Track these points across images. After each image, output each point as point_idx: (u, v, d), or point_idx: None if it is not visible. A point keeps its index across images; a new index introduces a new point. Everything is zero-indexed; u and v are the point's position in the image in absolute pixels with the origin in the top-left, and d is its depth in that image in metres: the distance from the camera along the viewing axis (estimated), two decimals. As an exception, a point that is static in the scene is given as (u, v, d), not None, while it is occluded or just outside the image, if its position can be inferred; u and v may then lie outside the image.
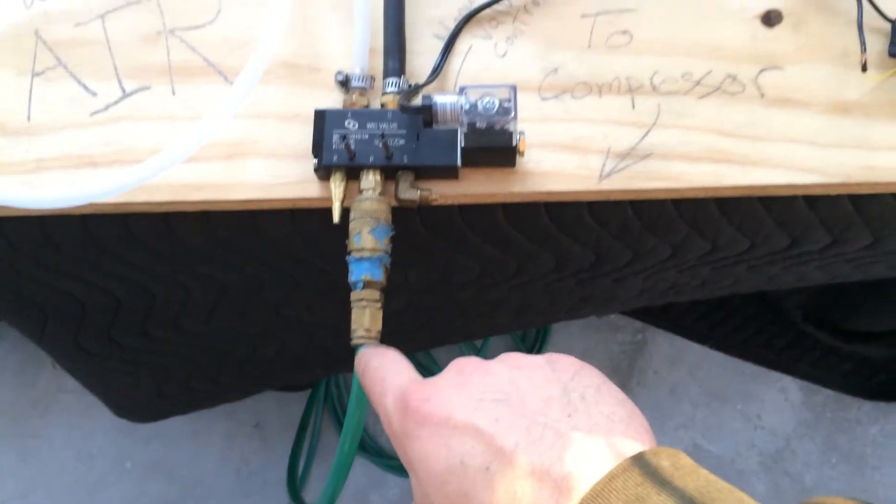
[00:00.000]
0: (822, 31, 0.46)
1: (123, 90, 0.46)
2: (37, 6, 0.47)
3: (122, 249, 0.48)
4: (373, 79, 0.45)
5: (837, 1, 0.47)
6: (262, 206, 0.45)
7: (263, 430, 1.15)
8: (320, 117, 0.43)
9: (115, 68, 0.46)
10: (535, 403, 0.31)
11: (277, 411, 1.14)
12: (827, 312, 0.90)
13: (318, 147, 0.42)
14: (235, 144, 0.45)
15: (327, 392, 1.14)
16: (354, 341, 0.40)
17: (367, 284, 0.41)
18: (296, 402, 1.14)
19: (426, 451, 0.31)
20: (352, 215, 0.42)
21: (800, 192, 0.46)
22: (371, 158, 0.42)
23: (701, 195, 0.45)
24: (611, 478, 0.27)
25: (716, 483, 0.28)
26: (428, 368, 1.11)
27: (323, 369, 0.78)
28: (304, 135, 0.44)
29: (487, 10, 0.47)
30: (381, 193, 0.42)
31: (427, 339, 0.69)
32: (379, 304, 0.41)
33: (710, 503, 0.27)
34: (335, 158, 0.42)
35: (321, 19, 0.47)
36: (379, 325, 0.41)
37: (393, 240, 0.42)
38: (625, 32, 0.47)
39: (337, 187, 0.42)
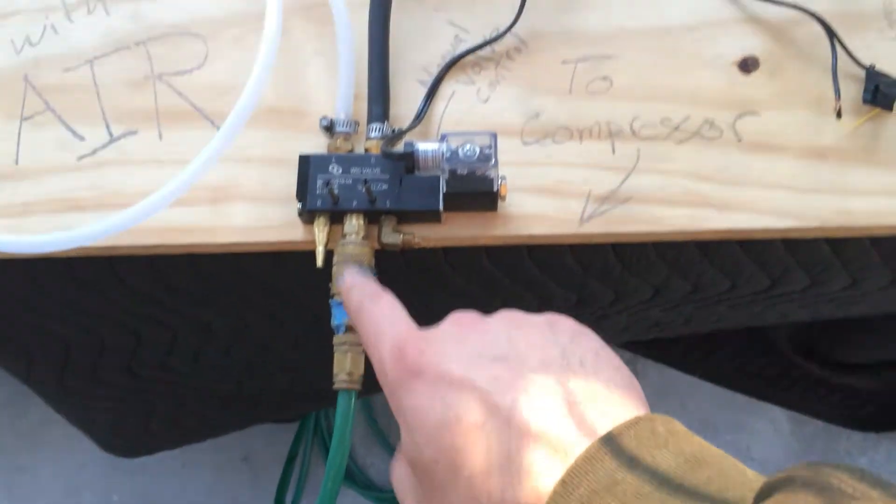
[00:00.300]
0: (799, 77, 0.47)
1: (111, 134, 0.46)
2: (26, 52, 0.48)
3: (107, 291, 0.48)
4: (357, 123, 0.46)
5: (813, 47, 0.48)
6: (246, 249, 0.45)
7: (252, 462, 1.15)
8: (304, 162, 0.44)
9: (103, 112, 0.47)
10: (534, 364, 0.30)
11: (266, 444, 1.14)
12: (815, 344, 0.91)
13: (303, 192, 0.43)
14: (221, 188, 0.45)
15: (316, 424, 1.14)
16: (336, 385, 0.40)
17: (350, 328, 0.41)
18: (285, 435, 1.13)
19: (421, 403, 0.31)
20: (335, 259, 0.42)
21: (777, 236, 0.46)
22: (354, 203, 0.43)
23: (680, 238, 0.46)
24: (606, 440, 0.27)
25: (710, 448, 0.28)
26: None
27: (310, 404, 0.78)
28: (289, 178, 0.45)
29: (471, 56, 0.48)
30: (365, 237, 0.43)
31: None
32: (361, 348, 0.41)
33: (705, 460, 0.27)
34: (319, 203, 0.43)
35: (307, 64, 0.48)
36: (361, 370, 0.41)
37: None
38: (605, 78, 0.48)
39: (320, 232, 0.43)
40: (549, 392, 0.29)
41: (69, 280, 0.47)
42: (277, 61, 0.47)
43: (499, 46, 0.48)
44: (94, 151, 0.46)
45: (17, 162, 0.45)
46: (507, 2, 0.49)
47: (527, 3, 0.48)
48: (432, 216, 0.44)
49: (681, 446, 0.28)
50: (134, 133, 0.46)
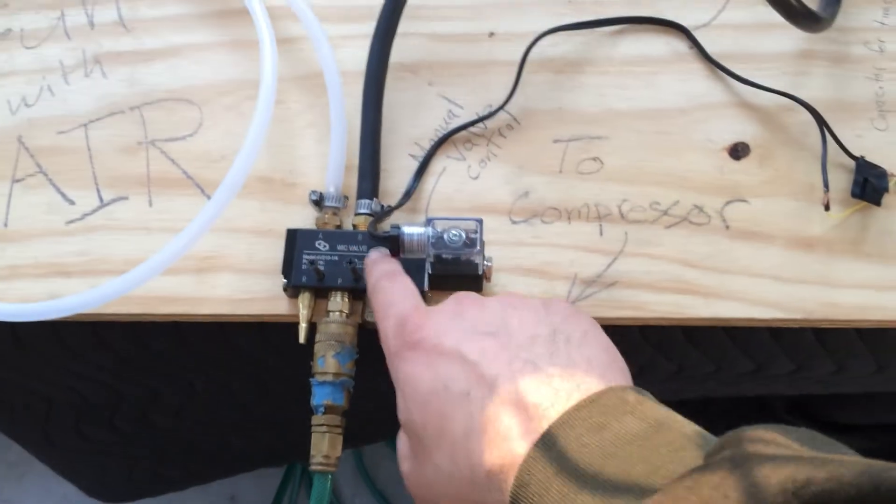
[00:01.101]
0: (789, 166, 0.47)
1: (101, 199, 0.46)
2: (22, 112, 0.48)
3: (89, 353, 0.48)
4: (346, 198, 0.46)
5: (804, 136, 0.48)
6: (230, 319, 0.45)
7: (239, 503, 1.14)
8: (291, 237, 0.44)
9: (95, 177, 0.47)
10: (522, 340, 0.32)
11: (253, 485, 1.13)
12: (810, 404, 0.90)
13: (289, 267, 0.43)
14: (207, 258, 0.45)
15: (304, 467, 1.13)
16: (312, 468, 0.40)
17: (329, 409, 0.41)
18: (272, 476, 1.13)
19: (414, 372, 0.33)
20: (318, 336, 0.42)
21: (761, 325, 0.46)
22: (339, 280, 0.43)
23: (664, 324, 0.46)
24: (577, 408, 0.29)
25: (674, 414, 0.30)
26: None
27: (295, 458, 0.77)
28: (276, 250, 0.45)
29: (463, 132, 0.48)
30: (349, 315, 0.43)
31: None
32: (339, 430, 0.41)
33: (673, 424, 0.29)
34: (304, 279, 0.43)
35: (299, 135, 0.48)
36: (338, 452, 0.41)
37: (357, 362, 0.43)
38: (595, 159, 0.48)
39: (304, 308, 0.43)
40: (530, 364, 0.31)
41: (52, 341, 0.47)
42: (269, 131, 0.47)
43: (491, 123, 0.48)
44: (84, 216, 0.46)
45: (6, 224, 0.46)
46: (500, 79, 0.49)
47: (520, 82, 0.48)
48: (416, 295, 0.44)
49: (646, 411, 0.29)
50: (124, 199, 0.46)
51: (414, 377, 0.33)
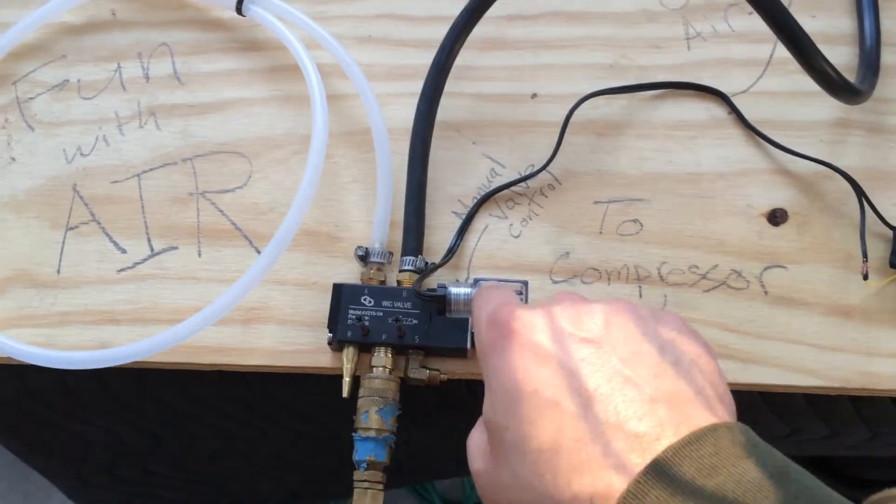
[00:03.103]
0: (827, 233, 0.48)
1: (152, 249, 0.47)
2: (77, 162, 0.49)
3: (131, 398, 0.49)
4: (391, 254, 0.47)
5: (842, 204, 0.49)
6: (275, 370, 0.46)
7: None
8: (337, 292, 0.45)
9: (146, 226, 0.48)
10: (625, 353, 0.30)
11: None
12: (834, 460, 0.90)
13: (334, 322, 0.44)
14: (253, 309, 0.46)
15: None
16: (355, 524, 0.41)
17: (371, 465, 0.41)
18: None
19: (505, 367, 0.31)
20: (361, 391, 0.43)
21: (798, 392, 0.46)
22: (384, 336, 0.44)
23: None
24: (685, 444, 0.26)
25: (792, 463, 0.27)
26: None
27: (317, 499, 0.78)
28: (321, 303, 0.46)
29: (505, 191, 0.49)
30: (392, 370, 0.44)
31: (424, 475, 0.70)
32: (381, 486, 0.41)
33: (793, 474, 0.26)
34: (349, 334, 0.44)
35: (345, 189, 0.49)
36: (379, 507, 0.41)
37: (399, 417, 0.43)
38: (635, 221, 0.49)
39: (349, 362, 0.44)
40: (634, 385, 0.28)
41: (96, 385, 0.48)
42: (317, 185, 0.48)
43: (533, 183, 0.49)
44: (135, 265, 0.47)
45: (58, 271, 0.47)
46: (543, 139, 0.50)
47: (562, 143, 0.49)
48: (459, 353, 0.44)
49: (765, 457, 0.27)
50: (174, 248, 0.47)
51: (503, 373, 0.31)
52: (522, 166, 0.50)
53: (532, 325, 0.32)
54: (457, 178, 0.50)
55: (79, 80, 0.52)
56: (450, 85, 0.48)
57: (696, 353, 0.31)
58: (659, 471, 0.26)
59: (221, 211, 0.48)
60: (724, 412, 0.29)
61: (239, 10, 0.51)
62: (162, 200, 0.49)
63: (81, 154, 0.50)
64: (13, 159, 0.49)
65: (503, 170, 0.50)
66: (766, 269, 0.47)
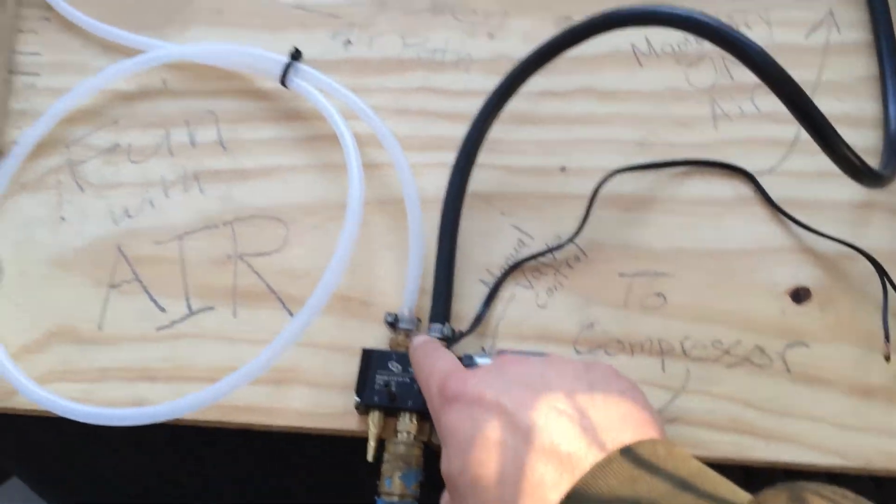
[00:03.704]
0: (850, 313, 0.49)
1: (190, 308, 0.49)
2: (124, 222, 0.52)
3: (161, 450, 0.50)
4: (419, 321, 0.48)
5: (865, 284, 0.49)
6: (302, 431, 0.47)
7: None
8: (367, 357, 0.46)
9: (186, 287, 0.50)
10: (559, 393, 0.34)
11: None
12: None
13: (362, 386, 0.45)
14: (284, 370, 0.48)
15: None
16: (375, 586, 0.41)
17: (393, 530, 0.42)
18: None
19: (455, 422, 0.35)
20: (385, 456, 0.44)
21: (821, 471, 0.47)
22: (410, 402, 0.45)
23: (724, 463, 0.47)
24: (609, 461, 0.30)
25: (707, 471, 0.31)
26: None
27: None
28: (349, 366, 0.47)
29: (532, 261, 0.50)
30: (417, 436, 0.45)
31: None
32: (403, 550, 0.42)
33: (701, 484, 0.29)
34: (376, 399, 0.45)
35: (377, 256, 0.51)
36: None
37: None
38: (659, 295, 0.49)
39: (374, 426, 0.45)
40: (566, 415, 0.32)
41: (126, 438, 0.49)
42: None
43: (559, 254, 0.51)
44: (173, 324, 0.49)
45: (100, 327, 0.49)
46: (570, 212, 0.51)
47: (589, 216, 0.51)
48: (483, 421, 0.45)
49: (678, 466, 0.30)
50: (211, 309, 0.49)
51: (455, 427, 0.35)
52: (550, 237, 0.51)
53: (477, 384, 0.36)
54: (485, 247, 0.51)
55: (129, 145, 0.54)
56: (481, 157, 0.50)
57: (623, 388, 0.35)
58: (585, 486, 0.29)
59: (258, 273, 0.50)
60: (651, 433, 0.33)
61: (283, 82, 0.54)
62: (201, 262, 0.51)
63: (128, 216, 0.52)
64: (63, 219, 0.52)
65: (531, 240, 0.51)
66: (788, 346, 0.48)
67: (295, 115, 0.55)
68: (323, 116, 0.52)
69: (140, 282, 0.50)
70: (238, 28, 0.58)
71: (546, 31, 0.57)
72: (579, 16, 0.57)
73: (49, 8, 0.58)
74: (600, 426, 0.32)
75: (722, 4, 0.57)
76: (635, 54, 0.56)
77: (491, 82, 0.50)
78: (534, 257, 0.50)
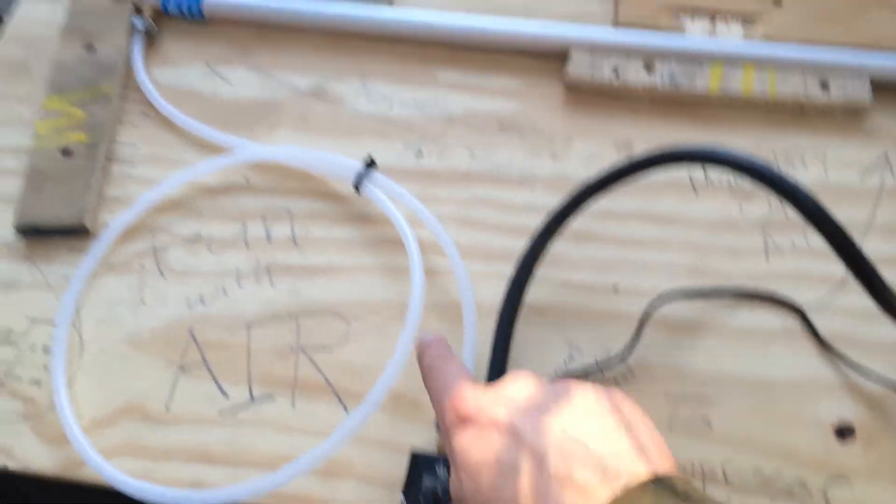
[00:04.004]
0: (894, 454, 0.49)
1: (252, 396, 0.52)
2: (197, 308, 0.55)
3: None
4: (468, 426, 0.50)
5: (911, 425, 0.50)
6: (347, 525, 0.49)
7: None
8: (415, 460, 0.48)
9: (249, 375, 0.53)
10: (574, 419, 0.34)
11: None
12: None
13: (409, 488, 0.47)
14: (335, 462, 0.49)
15: None
16: None
17: None
18: None
19: (467, 445, 0.35)
20: (426, 559, 0.45)
21: None
22: (454, 507, 0.46)
23: None
24: (627, 490, 0.30)
25: None
26: None
27: None
28: (395, 464, 0.49)
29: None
30: (457, 541, 0.46)
31: None
32: None
33: None
34: (422, 501, 0.46)
35: (432, 359, 0.53)
36: None
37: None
38: (703, 419, 0.51)
39: (418, 527, 0.46)
40: (582, 444, 0.32)
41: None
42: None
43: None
44: (234, 410, 0.51)
45: (168, 409, 0.52)
46: (621, 329, 0.53)
47: (640, 336, 0.53)
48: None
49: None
50: (271, 398, 0.52)
51: (466, 449, 0.35)
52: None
53: (490, 405, 0.36)
54: (537, 358, 0.53)
55: (210, 236, 0.58)
56: (537, 271, 0.53)
57: (640, 417, 0.35)
58: None
59: (317, 367, 0.53)
60: (664, 464, 0.33)
61: (356, 187, 0.57)
62: (266, 351, 0.54)
63: (202, 302, 0.55)
64: (143, 301, 0.55)
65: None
66: (830, 482, 0.48)
67: (365, 218, 0.59)
68: (391, 222, 0.56)
69: (208, 366, 0.53)
70: (320, 133, 0.62)
71: (607, 155, 0.60)
72: (639, 141, 0.61)
73: (149, 104, 0.63)
74: (613, 456, 0.32)
75: (779, 141, 0.60)
76: (692, 184, 0.59)
77: (552, 200, 0.53)
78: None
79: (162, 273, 0.57)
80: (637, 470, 0.31)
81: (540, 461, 0.32)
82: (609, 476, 0.31)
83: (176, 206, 0.60)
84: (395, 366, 0.49)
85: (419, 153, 0.61)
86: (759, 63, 0.60)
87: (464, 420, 0.36)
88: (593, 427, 0.33)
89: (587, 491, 0.31)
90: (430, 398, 0.41)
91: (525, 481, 0.32)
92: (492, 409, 0.36)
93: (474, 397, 0.37)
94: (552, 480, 0.31)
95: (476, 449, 0.35)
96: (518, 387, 0.37)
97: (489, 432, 0.35)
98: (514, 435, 0.34)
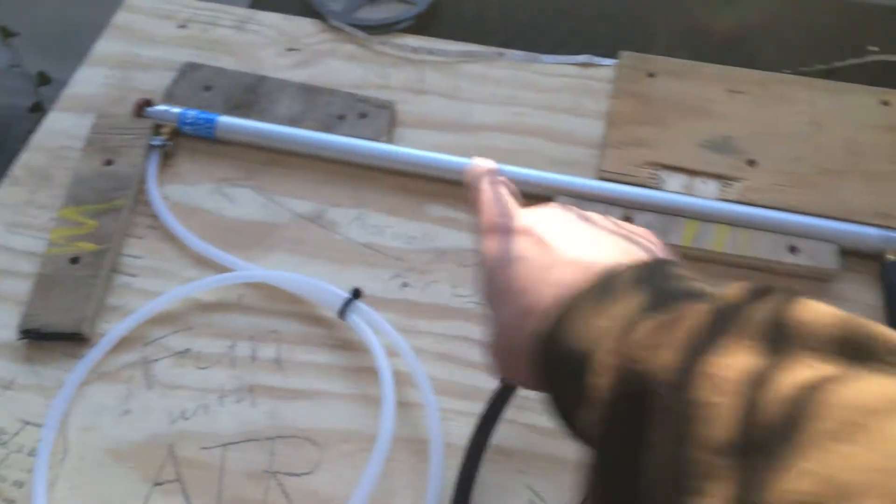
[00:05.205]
0: None
1: (220, 517, 0.54)
2: (178, 424, 0.58)
3: None
4: (424, 565, 0.51)
5: None
6: None
7: None
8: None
9: (220, 495, 0.55)
10: (593, 230, 0.39)
11: None
12: None
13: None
14: (293, 593, 0.51)
15: None
16: None
17: None
18: None
19: (492, 245, 0.40)
20: None
21: None
22: None
23: None
24: (625, 265, 0.34)
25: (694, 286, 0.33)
26: None
27: None
28: None
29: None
30: None
31: None
32: None
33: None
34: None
35: (397, 493, 0.55)
36: None
37: None
38: None
39: None
40: (592, 239, 0.38)
41: None
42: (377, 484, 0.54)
43: None
44: (202, 530, 0.53)
45: (137, 523, 0.54)
46: (582, 477, 0.55)
47: (599, 486, 0.54)
48: None
49: (681, 279, 0.33)
50: (239, 520, 0.54)
51: (491, 249, 0.40)
52: (563, 501, 0.54)
53: (520, 219, 0.41)
54: (498, 502, 0.55)
55: (198, 351, 0.61)
56: (508, 412, 0.55)
57: (652, 238, 0.40)
58: (602, 279, 0.33)
59: (286, 493, 0.55)
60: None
61: (341, 314, 0.60)
62: (239, 473, 0.56)
63: (183, 418, 0.58)
64: (128, 412, 0.58)
65: (541, 503, 0.55)
66: None
67: (347, 345, 0.61)
68: (370, 351, 0.58)
69: (182, 483, 0.55)
70: (313, 258, 0.66)
71: (584, 301, 0.63)
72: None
73: (156, 219, 0.67)
74: (618, 247, 0.37)
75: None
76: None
77: (526, 341, 0.55)
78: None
79: (149, 385, 0.59)
80: (638, 258, 0.36)
81: (550, 252, 0.37)
82: (611, 259, 0.36)
83: (170, 319, 0.63)
84: (358, 498, 0.50)
85: (404, 284, 0.64)
86: (733, 222, 0.63)
87: (494, 229, 0.41)
88: (607, 234, 0.39)
89: (590, 268, 0.35)
90: (477, 207, 0.45)
91: (537, 265, 0.37)
92: (519, 221, 0.41)
93: (509, 214, 0.42)
94: (562, 264, 0.36)
95: (500, 247, 0.40)
96: (550, 209, 0.42)
97: (511, 237, 0.40)
98: (532, 236, 0.39)
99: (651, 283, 0.33)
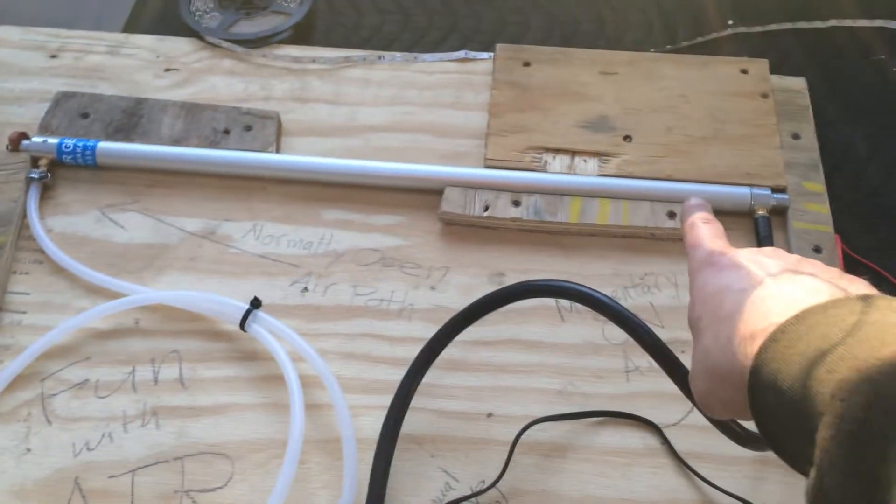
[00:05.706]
0: (748, 565, 0.52)
1: (133, 544, 0.53)
2: (83, 455, 0.56)
3: None
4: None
5: (763, 536, 0.53)
6: None
7: None
8: None
9: (132, 523, 0.54)
10: (805, 276, 0.38)
11: None
12: None
13: None
14: None
15: None
16: None
17: None
18: None
19: (706, 278, 0.42)
20: None
21: None
22: None
23: None
24: (833, 301, 0.33)
25: None
26: None
27: None
28: None
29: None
30: None
31: None
32: None
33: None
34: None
35: (314, 495, 0.55)
36: None
37: None
38: (573, 541, 0.53)
39: None
40: (797, 274, 0.38)
41: None
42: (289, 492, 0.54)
43: (483, 499, 0.55)
44: (116, 559, 0.52)
45: (48, 561, 0.52)
46: (495, 456, 0.56)
47: (511, 462, 0.55)
48: None
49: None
50: (153, 545, 0.53)
51: (705, 282, 0.42)
52: (475, 481, 0.56)
53: (733, 255, 0.42)
54: (414, 489, 0.55)
55: (97, 381, 0.60)
56: (415, 400, 0.55)
57: (860, 281, 0.39)
58: (806, 314, 0.33)
59: (201, 509, 0.54)
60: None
61: (242, 326, 0.60)
62: (150, 496, 0.55)
63: (88, 449, 0.57)
64: (28, 450, 0.56)
65: (457, 483, 0.56)
66: None
67: (252, 356, 0.61)
68: (275, 359, 0.58)
69: (90, 515, 0.54)
70: (209, 274, 0.65)
71: (481, 286, 0.64)
72: (511, 272, 0.65)
73: (42, 252, 0.65)
74: (822, 281, 0.37)
75: (635, 266, 0.65)
76: (558, 310, 0.63)
77: (430, 331, 0.56)
78: (459, 501, 0.55)
79: (49, 420, 0.58)
80: (839, 294, 0.36)
81: (761, 283, 0.38)
82: (817, 294, 0.35)
83: (64, 351, 0.61)
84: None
85: (305, 290, 0.64)
86: (613, 195, 0.66)
87: (709, 264, 0.43)
88: (808, 268, 0.39)
89: (796, 301, 0.35)
90: (687, 241, 0.47)
91: (748, 296, 0.37)
92: (734, 258, 0.42)
93: (723, 251, 0.43)
94: (767, 295, 0.37)
95: (713, 281, 0.41)
96: (758, 250, 0.42)
97: (728, 270, 0.41)
98: (745, 270, 0.40)
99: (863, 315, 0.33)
